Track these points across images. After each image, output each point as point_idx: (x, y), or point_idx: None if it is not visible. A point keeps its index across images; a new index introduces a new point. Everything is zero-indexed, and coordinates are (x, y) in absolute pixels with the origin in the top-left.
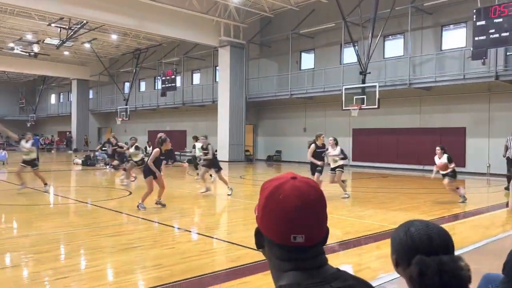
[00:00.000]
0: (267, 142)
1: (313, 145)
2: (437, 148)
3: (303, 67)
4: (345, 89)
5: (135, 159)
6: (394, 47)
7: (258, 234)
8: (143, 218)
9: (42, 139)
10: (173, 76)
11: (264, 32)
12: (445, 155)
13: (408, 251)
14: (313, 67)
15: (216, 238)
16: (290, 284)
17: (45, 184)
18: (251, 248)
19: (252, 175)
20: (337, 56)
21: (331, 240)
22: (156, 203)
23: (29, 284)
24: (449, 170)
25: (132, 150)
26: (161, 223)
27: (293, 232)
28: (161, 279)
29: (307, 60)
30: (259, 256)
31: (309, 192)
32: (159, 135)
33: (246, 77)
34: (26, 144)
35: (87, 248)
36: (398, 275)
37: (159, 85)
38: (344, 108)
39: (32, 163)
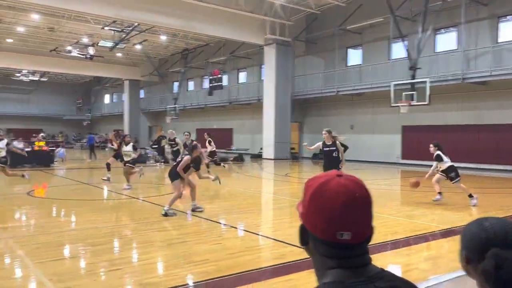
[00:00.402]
0: (313, 140)
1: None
2: (430, 145)
3: (350, 63)
4: (394, 85)
5: (126, 158)
6: (446, 40)
7: (303, 230)
8: (191, 214)
9: (98, 137)
10: (219, 75)
11: (310, 29)
12: (437, 152)
13: (481, 246)
14: (360, 63)
15: (261, 235)
16: (334, 281)
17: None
18: (296, 246)
19: (297, 173)
20: (385, 51)
21: (379, 239)
22: (193, 210)
23: (86, 274)
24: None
25: (128, 148)
26: (208, 219)
27: (340, 229)
28: (208, 274)
29: (354, 56)
30: (303, 254)
31: (355, 190)
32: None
33: (292, 75)
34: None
35: (139, 242)
36: (448, 278)
37: (206, 84)
38: (392, 104)
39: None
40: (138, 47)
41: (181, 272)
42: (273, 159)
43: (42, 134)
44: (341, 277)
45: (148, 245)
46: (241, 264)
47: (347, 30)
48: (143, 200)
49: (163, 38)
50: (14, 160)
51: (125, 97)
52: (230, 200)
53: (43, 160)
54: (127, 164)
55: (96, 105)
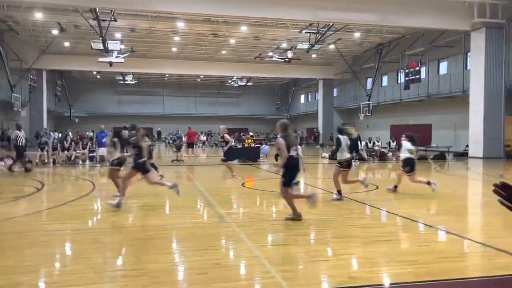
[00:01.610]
0: None
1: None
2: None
3: None
4: None
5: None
6: None
7: None
8: (389, 212)
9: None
10: (417, 68)
11: None
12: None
13: None
14: None
15: (475, 241)
16: None
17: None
18: None
19: None
20: None
21: None
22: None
23: (294, 260)
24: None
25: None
26: (410, 219)
27: None
28: (417, 275)
29: None
30: None
31: None
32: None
33: (505, 61)
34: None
35: (342, 236)
36: None
37: (402, 78)
38: None
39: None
40: (331, 46)
41: (389, 270)
42: (482, 158)
43: (251, 133)
44: None
45: (352, 239)
46: (455, 270)
47: None
48: (343, 196)
49: (357, 35)
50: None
51: (319, 96)
52: (434, 202)
53: (252, 155)
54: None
55: (293, 104)
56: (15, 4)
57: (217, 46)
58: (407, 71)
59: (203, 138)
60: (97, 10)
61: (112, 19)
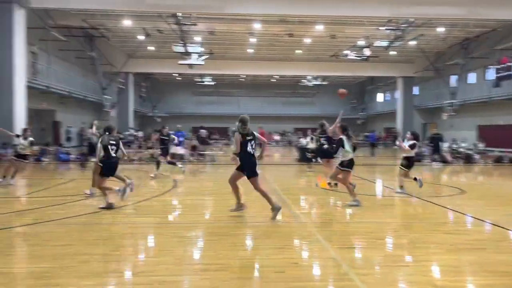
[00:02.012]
0: None
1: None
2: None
3: None
4: None
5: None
6: None
7: None
8: (475, 218)
9: (376, 135)
10: (509, 63)
11: None
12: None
13: None
14: None
15: None
16: None
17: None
18: None
19: None
20: None
21: None
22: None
23: (373, 265)
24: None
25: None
26: (496, 225)
27: None
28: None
29: None
30: None
31: None
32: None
33: None
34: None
35: (425, 242)
36: None
37: (491, 75)
38: None
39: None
40: (412, 43)
41: (477, 280)
42: None
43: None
44: None
45: (435, 246)
46: None
47: None
48: (417, 198)
49: (440, 30)
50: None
51: (398, 94)
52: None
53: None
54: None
55: (369, 104)
56: (107, 12)
57: (292, 46)
58: (497, 67)
59: (277, 137)
60: (179, 15)
61: (192, 23)
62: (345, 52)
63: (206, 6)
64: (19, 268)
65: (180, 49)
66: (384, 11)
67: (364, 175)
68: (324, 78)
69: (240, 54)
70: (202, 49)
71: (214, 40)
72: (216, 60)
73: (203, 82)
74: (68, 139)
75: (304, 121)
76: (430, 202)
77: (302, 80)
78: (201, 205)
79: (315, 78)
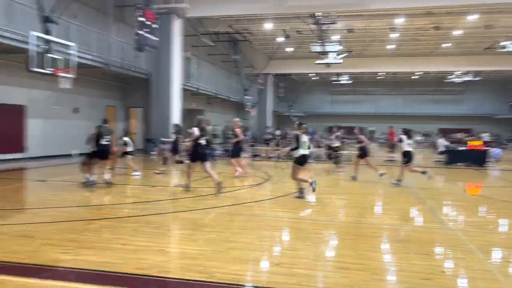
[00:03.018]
0: None
1: None
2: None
3: None
4: None
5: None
6: None
7: None
8: None
9: None
10: None
11: None
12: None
13: None
14: None
15: None
16: None
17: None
18: None
19: None
20: None
21: None
22: None
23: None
24: None
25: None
26: None
27: None
28: None
29: None
30: None
31: None
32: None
33: None
34: None
35: None
36: None
37: None
38: None
39: None
40: None
41: None
42: None
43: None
44: None
45: None
46: None
47: None
48: None
49: None
50: (451, 158)
51: None
52: None
53: (477, 159)
54: None
55: None
56: (251, 17)
57: (437, 39)
58: None
59: (418, 138)
60: (318, 15)
61: (331, 21)
62: (503, 43)
63: (348, 3)
64: (176, 248)
65: (318, 48)
66: None
67: None
68: (476, 73)
69: (379, 51)
70: (340, 48)
71: (353, 38)
72: (353, 58)
73: (339, 81)
74: (214, 136)
75: (450, 121)
76: None
77: (448, 77)
78: (337, 204)
79: (465, 73)
